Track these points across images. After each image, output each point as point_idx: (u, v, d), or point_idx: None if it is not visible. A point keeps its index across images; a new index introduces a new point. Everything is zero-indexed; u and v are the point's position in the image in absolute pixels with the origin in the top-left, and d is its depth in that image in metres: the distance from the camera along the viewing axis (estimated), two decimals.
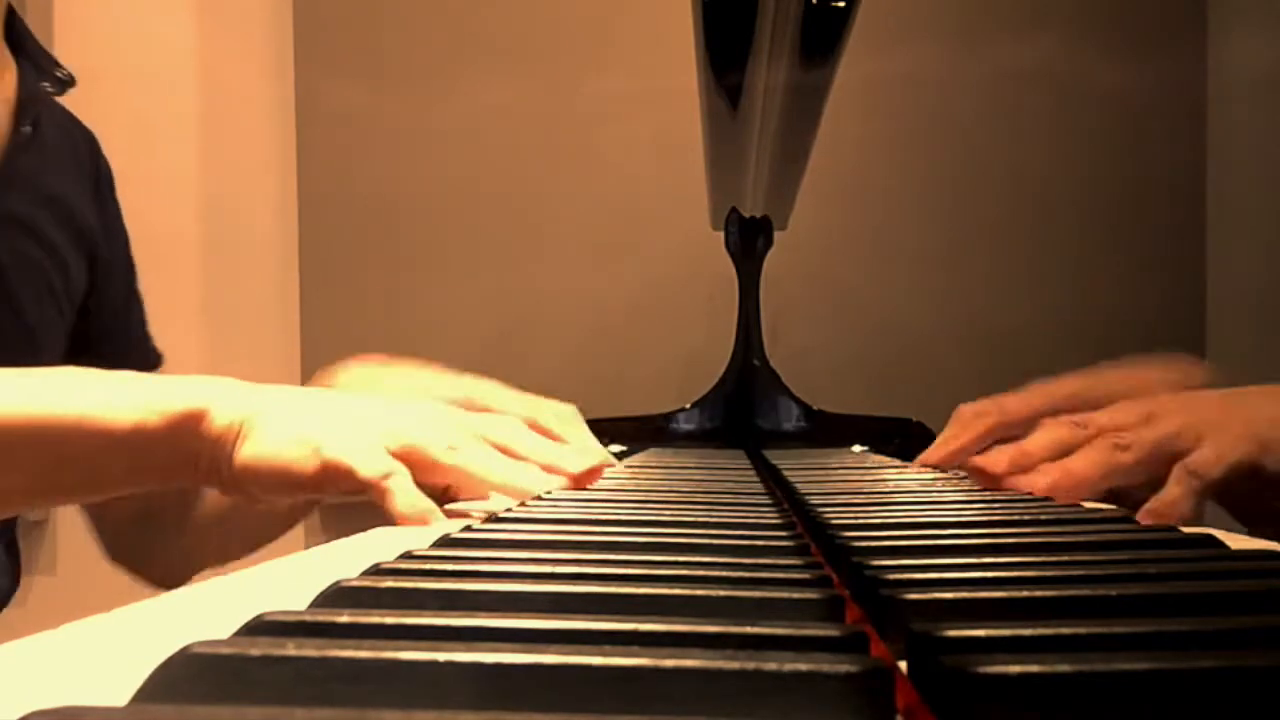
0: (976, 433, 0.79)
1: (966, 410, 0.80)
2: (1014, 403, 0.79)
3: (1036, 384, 0.79)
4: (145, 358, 0.97)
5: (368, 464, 0.57)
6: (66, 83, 0.88)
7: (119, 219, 0.97)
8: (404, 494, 0.56)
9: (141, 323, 0.99)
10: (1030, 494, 0.61)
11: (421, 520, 0.55)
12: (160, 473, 0.61)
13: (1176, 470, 0.59)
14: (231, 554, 0.93)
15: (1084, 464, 0.62)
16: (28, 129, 0.84)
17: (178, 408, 0.58)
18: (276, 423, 0.59)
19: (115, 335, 0.95)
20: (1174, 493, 0.58)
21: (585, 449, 0.73)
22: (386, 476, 0.56)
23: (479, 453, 0.62)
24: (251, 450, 0.58)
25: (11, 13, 0.86)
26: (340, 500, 0.60)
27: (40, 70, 0.86)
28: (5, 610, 0.92)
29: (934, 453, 0.82)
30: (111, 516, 0.94)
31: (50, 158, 0.88)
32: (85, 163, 0.94)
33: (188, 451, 0.58)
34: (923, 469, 0.80)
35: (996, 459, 0.64)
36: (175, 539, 0.93)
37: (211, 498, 0.93)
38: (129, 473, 0.60)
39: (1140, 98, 1.65)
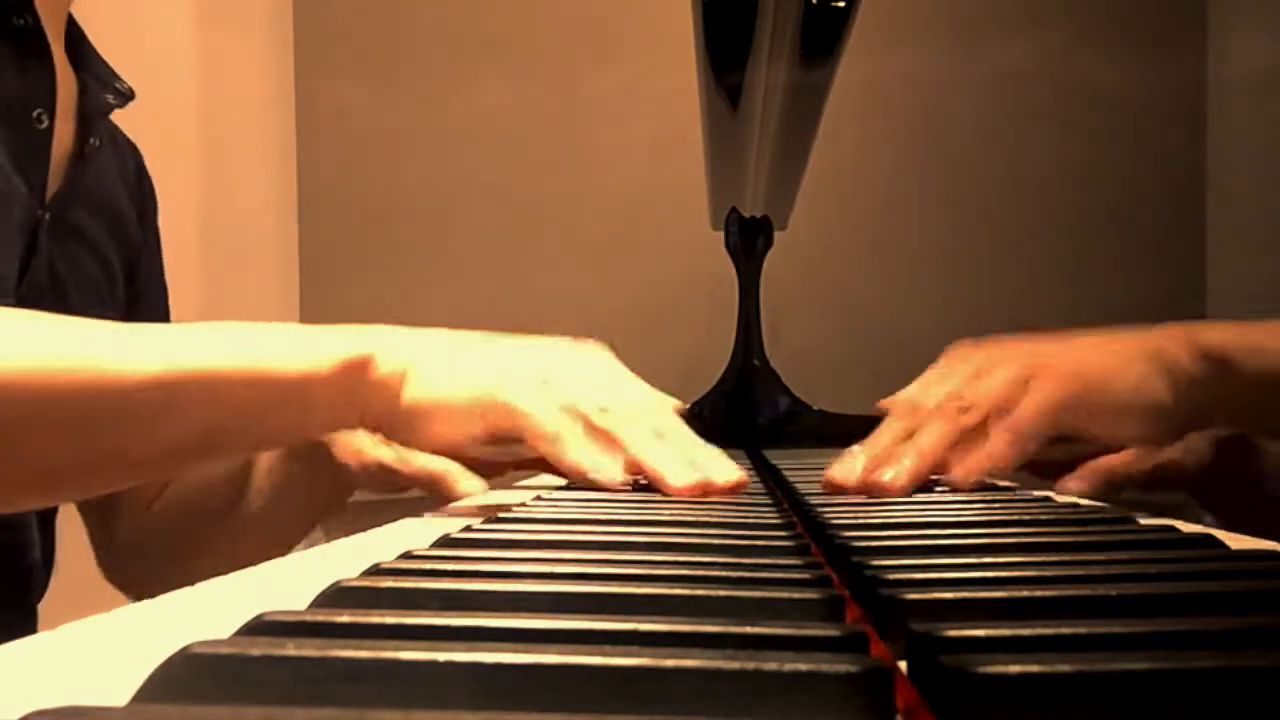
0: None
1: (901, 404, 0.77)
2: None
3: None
4: None
5: (542, 412, 0.58)
6: (127, 96, 0.87)
7: (158, 241, 0.97)
8: (577, 447, 0.57)
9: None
10: (1038, 494, 0.61)
11: (599, 473, 0.56)
12: (327, 421, 0.62)
13: (996, 429, 0.59)
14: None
15: (931, 440, 0.61)
16: (95, 142, 0.83)
17: (344, 355, 0.58)
18: (444, 364, 0.60)
19: None
20: (992, 446, 0.59)
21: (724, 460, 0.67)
22: (559, 426, 0.58)
23: (627, 421, 0.60)
24: (419, 392, 0.59)
25: (72, 23, 0.85)
26: (496, 455, 0.62)
27: (101, 83, 0.86)
28: (6, 610, 0.91)
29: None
30: (116, 539, 0.93)
31: (105, 170, 0.88)
32: (132, 177, 0.94)
33: (355, 398, 0.59)
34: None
35: (847, 472, 0.61)
36: (178, 564, 0.91)
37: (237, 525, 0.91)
38: (297, 422, 0.61)
39: (1140, 98, 1.65)
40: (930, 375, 0.66)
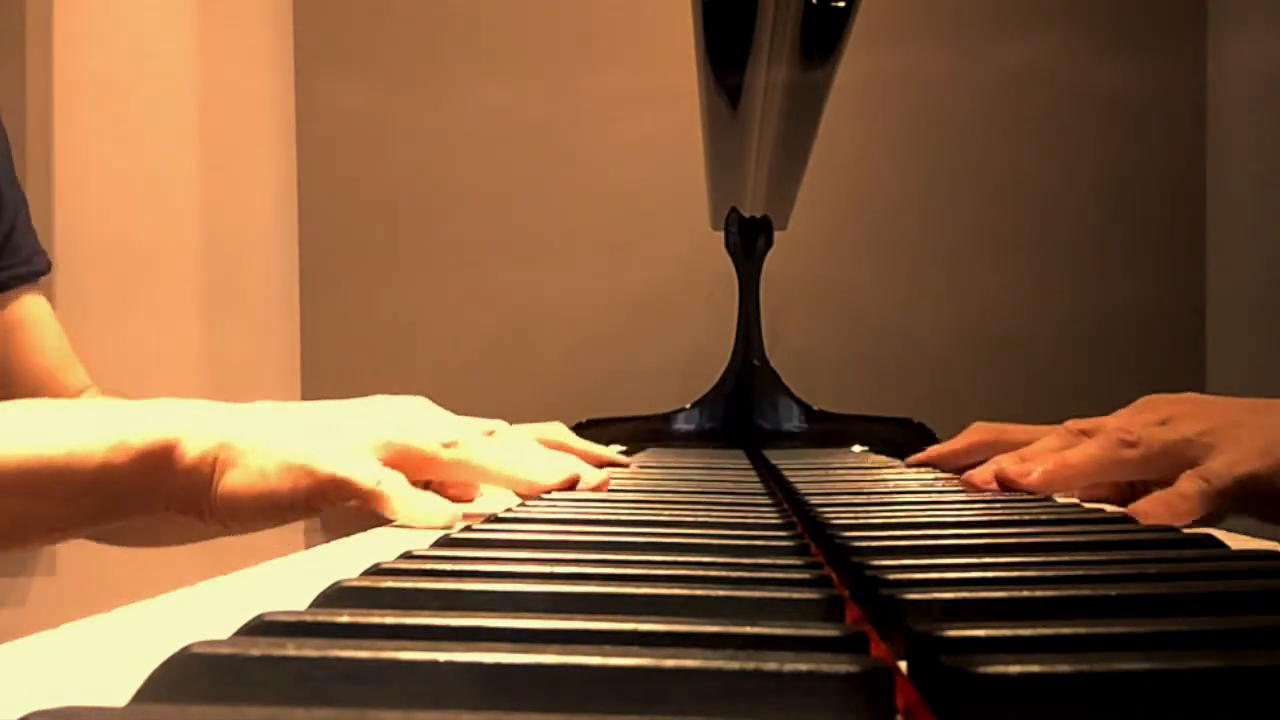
0: (970, 440, 0.78)
1: (979, 426, 0.80)
2: (1021, 430, 0.77)
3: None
4: (39, 262, 0.91)
5: (362, 473, 0.56)
6: None
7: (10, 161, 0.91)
8: (401, 499, 0.55)
9: (32, 229, 0.92)
10: (1031, 492, 0.61)
11: (427, 521, 0.54)
12: (131, 509, 0.58)
13: (1188, 473, 0.58)
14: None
15: (1081, 455, 0.61)
16: None
17: (145, 441, 0.55)
18: (258, 447, 0.57)
19: (22, 245, 0.89)
20: (1183, 487, 0.57)
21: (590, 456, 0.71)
22: (379, 483, 0.55)
23: (480, 445, 0.60)
24: (235, 479, 0.56)
25: None
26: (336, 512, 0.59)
27: None
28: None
29: (925, 454, 0.82)
30: None
31: None
32: None
33: (160, 487, 0.56)
34: (922, 469, 0.80)
35: (990, 470, 0.63)
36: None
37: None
38: (99, 512, 0.58)
39: (1140, 98, 1.65)
40: (1120, 413, 0.66)
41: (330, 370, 1.66)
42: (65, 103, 1.56)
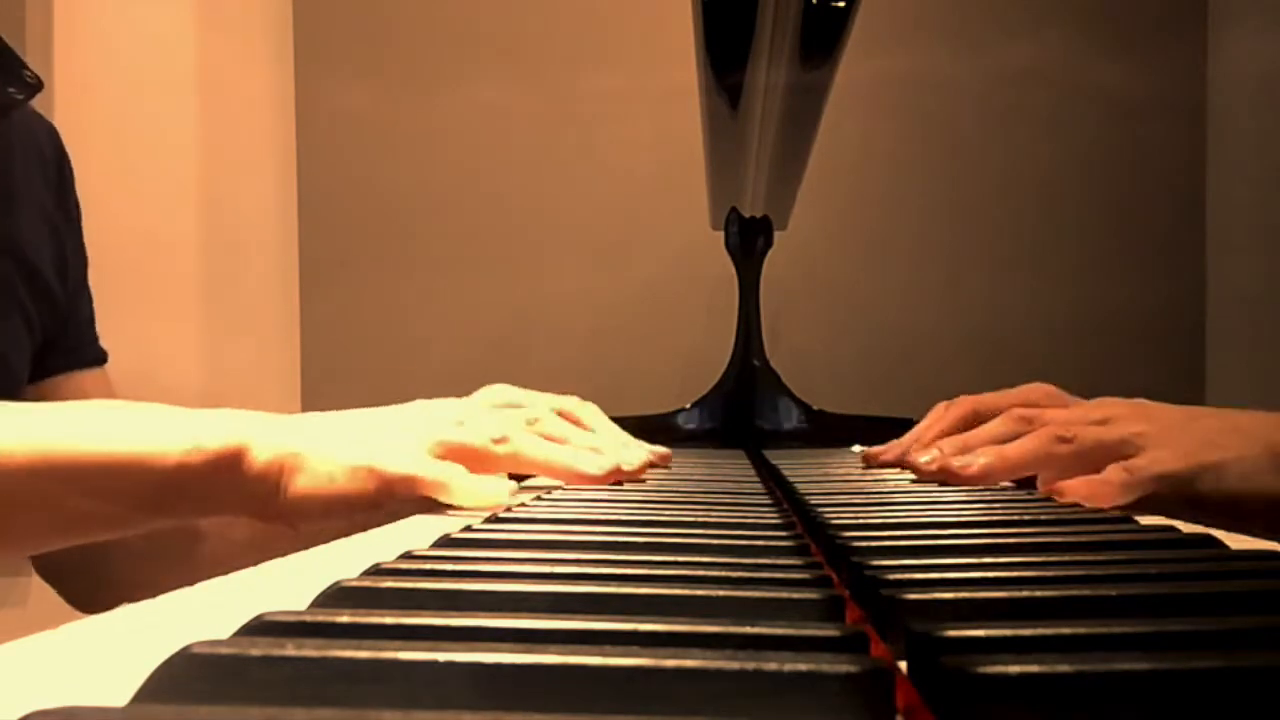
0: (942, 425, 0.79)
1: (941, 405, 0.82)
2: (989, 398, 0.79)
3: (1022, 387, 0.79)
4: (95, 354, 0.95)
5: (423, 468, 0.60)
6: (35, 87, 0.85)
7: (78, 209, 0.95)
8: (461, 487, 0.59)
9: (91, 319, 0.96)
10: (1038, 493, 0.61)
11: (489, 502, 0.58)
12: (198, 510, 0.62)
13: (1115, 464, 0.62)
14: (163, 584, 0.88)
15: (1018, 449, 0.65)
16: None
17: (218, 445, 0.58)
18: (323, 453, 0.60)
19: (70, 329, 0.92)
20: (1108, 475, 0.61)
21: (628, 442, 0.76)
22: (439, 475, 0.59)
23: (529, 439, 0.65)
24: (304, 483, 0.59)
25: None
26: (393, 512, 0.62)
27: (7, 73, 0.83)
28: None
29: (889, 450, 0.83)
30: (67, 587, 0.93)
31: (17, 158, 0.86)
32: (49, 158, 0.91)
33: (230, 488, 0.59)
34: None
35: (935, 456, 0.68)
36: (105, 565, 0.91)
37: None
38: (164, 509, 0.60)
39: (1140, 97, 1.65)
40: (1069, 408, 0.70)
41: (330, 371, 1.66)
42: (65, 103, 1.56)
